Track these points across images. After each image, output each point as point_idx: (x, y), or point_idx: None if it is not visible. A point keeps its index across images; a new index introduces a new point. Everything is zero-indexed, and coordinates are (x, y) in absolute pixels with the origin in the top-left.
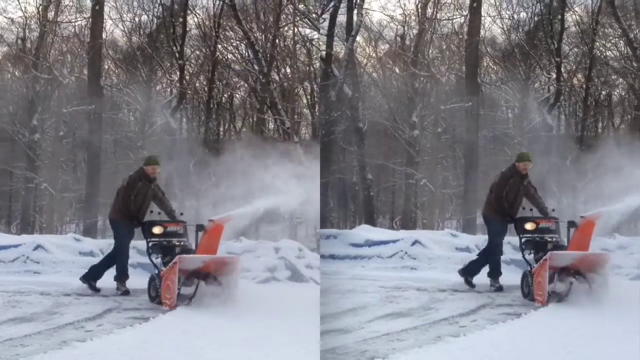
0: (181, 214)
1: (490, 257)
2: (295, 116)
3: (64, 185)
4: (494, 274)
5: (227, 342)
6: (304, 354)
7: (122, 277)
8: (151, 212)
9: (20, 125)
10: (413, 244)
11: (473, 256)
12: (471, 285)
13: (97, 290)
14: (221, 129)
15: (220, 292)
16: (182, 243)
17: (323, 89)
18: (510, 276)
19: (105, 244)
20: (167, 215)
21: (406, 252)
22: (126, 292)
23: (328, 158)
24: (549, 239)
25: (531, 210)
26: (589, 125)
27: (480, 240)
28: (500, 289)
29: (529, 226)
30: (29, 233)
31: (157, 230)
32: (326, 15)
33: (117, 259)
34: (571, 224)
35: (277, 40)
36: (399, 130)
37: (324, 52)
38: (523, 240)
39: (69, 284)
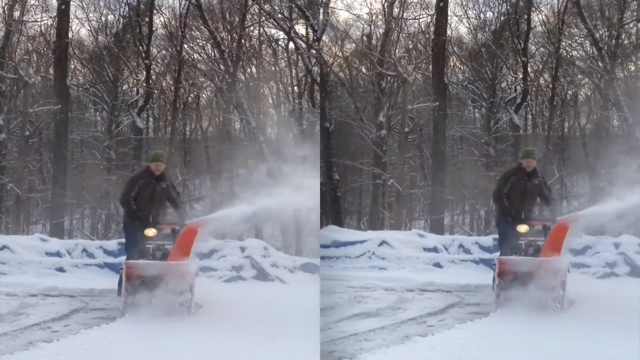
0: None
1: None
2: (261, 116)
3: (31, 185)
4: None
5: (193, 341)
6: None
7: None
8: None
9: None
10: (380, 244)
11: (441, 256)
12: None
13: None
14: (188, 128)
15: (176, 298)
16: (164, 247)
17: None
18: (479, 276)
19: (72, 245)
20: (178, 219)
21: (374, 253)
22: None
23: None
24: (526, 242)
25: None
26: (555, 125)
27: (447, 240)
28: None
29: (522, 229)
30: None
31: (149, 232)
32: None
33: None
34: (546, 227)
35: (242, 40)
36: (365, 130)
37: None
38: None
39: (35, 285)
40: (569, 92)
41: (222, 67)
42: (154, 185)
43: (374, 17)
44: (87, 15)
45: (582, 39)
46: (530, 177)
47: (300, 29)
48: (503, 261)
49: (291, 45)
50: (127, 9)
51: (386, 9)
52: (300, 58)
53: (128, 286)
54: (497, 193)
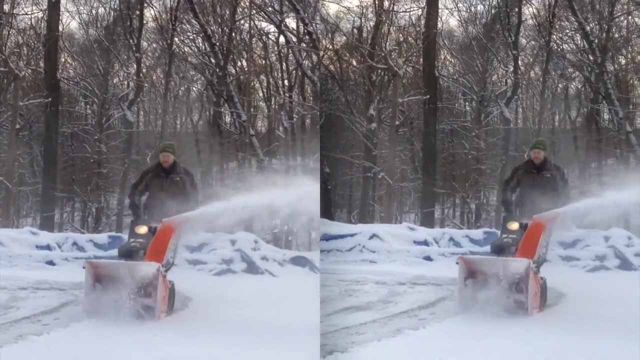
0: None
1: None
2: (252, 109)
3: (21, 178)
4: None
5: (181, 334)
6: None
7: None
8: None
9: None
10: (371, 237)
11: (431, 249)
12: None
13: None
14: (178, 122)
15: (138, 301)
16: (148, 245)
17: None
18: None
19: (62, 238)
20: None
21: (364, 246)
22: None
23: None
24: (508, 240)
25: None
26: (545, 118)
27: (438, 233)
28: None
29: (512, 226)
30: None
31: (140, 230)
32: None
33: None
34: (522, 225)
35: (233, 34)
36: (356, 123)
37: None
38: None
39: (26, 278)
40: (560, 85)
41: (212, 60)
42: (163, 178)
43: (364, 10)
44: (77, 8)
45: (573, 32)
46: (540, 170)
47: (291, 22)
48: (465, 260)
49: (282, 38)
50: (117, 2)
51: (377, 2)
52: (290, 51)
53: (89, 285)
54: (502, 185)
